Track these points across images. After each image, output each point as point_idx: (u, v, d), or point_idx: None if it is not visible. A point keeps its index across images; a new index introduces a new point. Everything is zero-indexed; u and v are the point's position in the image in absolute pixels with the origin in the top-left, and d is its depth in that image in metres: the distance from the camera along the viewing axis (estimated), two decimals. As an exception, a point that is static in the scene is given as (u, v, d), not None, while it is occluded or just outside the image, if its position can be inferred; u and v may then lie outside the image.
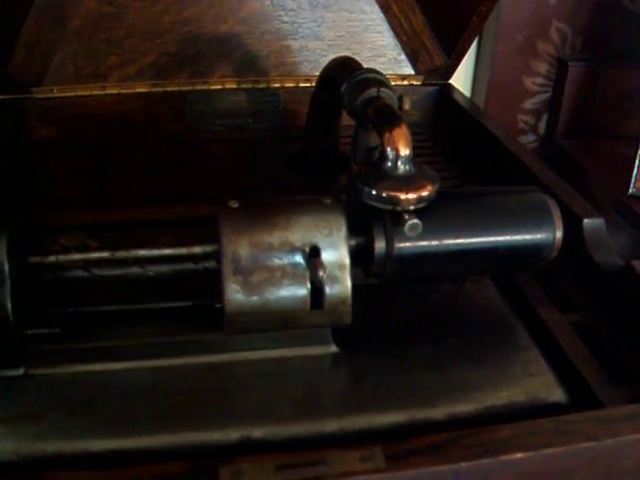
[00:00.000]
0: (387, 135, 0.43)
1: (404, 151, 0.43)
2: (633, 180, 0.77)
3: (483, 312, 0.51)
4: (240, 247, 0.43)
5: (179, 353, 0.46)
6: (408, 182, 0.43)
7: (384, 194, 0.42)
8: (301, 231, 0.43)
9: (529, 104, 0.96)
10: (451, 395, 0.43)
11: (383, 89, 0.48)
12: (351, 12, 0.79)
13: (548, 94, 0.95)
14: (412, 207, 0.42)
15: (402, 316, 0.50)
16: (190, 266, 0.50)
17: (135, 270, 0.50)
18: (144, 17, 0.75)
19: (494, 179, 0.67)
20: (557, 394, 0.44)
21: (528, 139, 0.99)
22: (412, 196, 0.42)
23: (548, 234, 0.47)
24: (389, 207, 0.42)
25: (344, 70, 0.53)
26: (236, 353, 0.46)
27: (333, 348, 0.46)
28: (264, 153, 0.73)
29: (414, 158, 0.44)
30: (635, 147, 0.78)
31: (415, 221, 0.41)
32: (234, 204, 0.44)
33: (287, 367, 0.45)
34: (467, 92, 0.97)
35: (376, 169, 0.43)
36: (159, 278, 0.50)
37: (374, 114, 0.46)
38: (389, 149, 0.43)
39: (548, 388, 0.44)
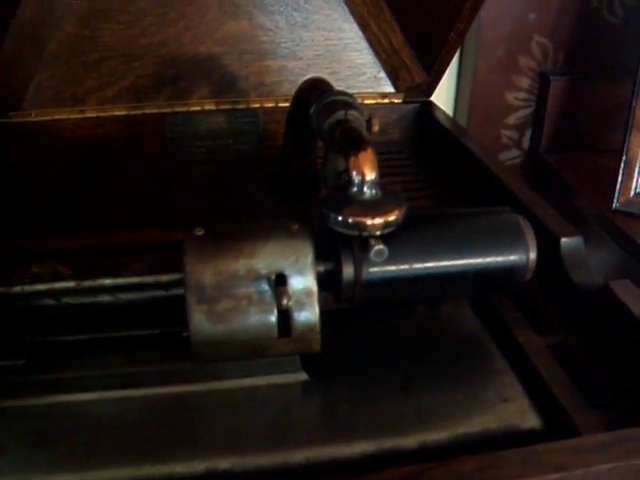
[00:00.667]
0: (352, 159, 0.42)
1: (370, 175, 0.42)
2: (616, 195, 0.77)
3: (458, 335, 0.50)
4: (205, 276, 0.42)
5: (147, 383, 0.45)
6: (374, 207, 0.42)
7: (350, 220, 0.41)
8: (267, 258, 0.42)
9: (512, 119, 0.95)
10: (422, 423, 0.42)
11: (351, 111, 0.47)
12: (329, 31, 0.78)
13: (531, 109, 0.95)
14: (379, 232, 0.41)
15: (375, 340, 0.49)
16: (160, 293, 0.50)
17: (105, 298, 0.50)
18: (121, 40, 0.75)
19: (474, 198, 0.66)
20: (532, 420, 0.43)
21: (512, 154, 0.98)
22: (378, 221, 0.41)
23: (521, 256, 0.46)
24: (355, 233, 0.42)
25: (314, 92, 0.53)
26: (204, 383, 0.45)
27: (303, 376, 0.45)
28: (243, 174, 0.73)
29: (381, 182, 0.43)
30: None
31: (380, 247, 0.40)
32: (199, 232, 0.44)
33: (256, 396, 0.44)
34: (449, 108, 0.97)
35: (342, 194, 0.43)
36: (129, 306, 0.49)
37: (341, 137, 0.45)
38: (355, 173, 0.42)
39: (522, 414, 0.43)
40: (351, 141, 0.44)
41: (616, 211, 0.77)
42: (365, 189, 0.42)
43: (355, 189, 0.42)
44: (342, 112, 0.47)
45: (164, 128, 0.77)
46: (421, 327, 0.51)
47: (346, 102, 0.48)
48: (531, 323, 0.51)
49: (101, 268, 0.49)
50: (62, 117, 0.75)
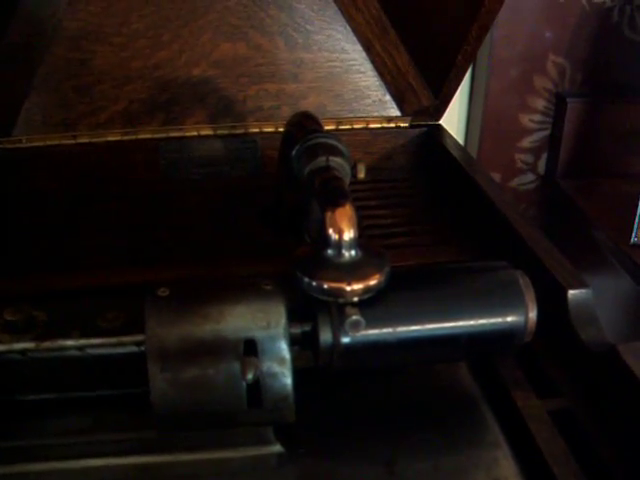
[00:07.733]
0: (329, 215, 0.39)
1: (347, 235, 0.38)
2: (635, 229, 0.72)
3: (451, 398, 0.46)
4: (168, 342, 0.39)
5: (112, 452, 0.42)
6: (352, 270, 0.38)
7: (325, 286, 0.38)
8: (235, 323, 0.39)
9: (527, 142, 0.90)
10: (403, 506, 0.38)
11: (333, 158, 0.43)
12: (332, 52, 0.74)
13: (547, 131, 0.90)
14: (357, 298, 0.38)
15: (359, 403, 0.46)
16: (132, 349, 0.47)
17: (73, 353, 0.47)
18: (113, 63, 0.72)
19: (478, 236, 0.62)
20: (523, 504, 0.39)
21: (527, 179, 0.93)
22: (357, 287, 0.38)
23: (519, 317, 0.42)
24: (331, 299, 0.38)
25: (301, 130, 0.49)
26: (172, 454, 0.42)
27: (277, 448, 0.42)
28: (239, 204, 0.69)
29: (361, 239, 0.40)
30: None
31: (356, 318, 0.36)
32: (164, 292, 0.40)
33: (227, 469, 0.41)
34: (461, 131, 0.92)
35: (317, 254, 0.39)
36: (98, 361, 0.46)
37: (320, 188, 0.41)
38: (331, 231, 0.38)
39: (513, 497, 0.39)
40: (329, 195, 0.40)
41: (634, 245, 0.72)
42: (342, 250, 0.38)
43: (331, 250, 0.38)
44: (323, 158, 0.43)
45: (158, 154, 0.74)
46: (411, 387, 0.47)
47: (330, 146, 0.44)
48: (533, 384, 0.47)
49: (77, 315, 0.47)
50: (53, 143, 0.73)
